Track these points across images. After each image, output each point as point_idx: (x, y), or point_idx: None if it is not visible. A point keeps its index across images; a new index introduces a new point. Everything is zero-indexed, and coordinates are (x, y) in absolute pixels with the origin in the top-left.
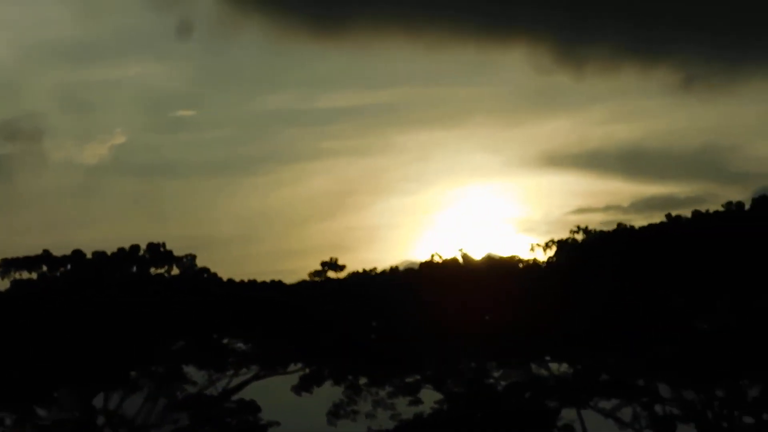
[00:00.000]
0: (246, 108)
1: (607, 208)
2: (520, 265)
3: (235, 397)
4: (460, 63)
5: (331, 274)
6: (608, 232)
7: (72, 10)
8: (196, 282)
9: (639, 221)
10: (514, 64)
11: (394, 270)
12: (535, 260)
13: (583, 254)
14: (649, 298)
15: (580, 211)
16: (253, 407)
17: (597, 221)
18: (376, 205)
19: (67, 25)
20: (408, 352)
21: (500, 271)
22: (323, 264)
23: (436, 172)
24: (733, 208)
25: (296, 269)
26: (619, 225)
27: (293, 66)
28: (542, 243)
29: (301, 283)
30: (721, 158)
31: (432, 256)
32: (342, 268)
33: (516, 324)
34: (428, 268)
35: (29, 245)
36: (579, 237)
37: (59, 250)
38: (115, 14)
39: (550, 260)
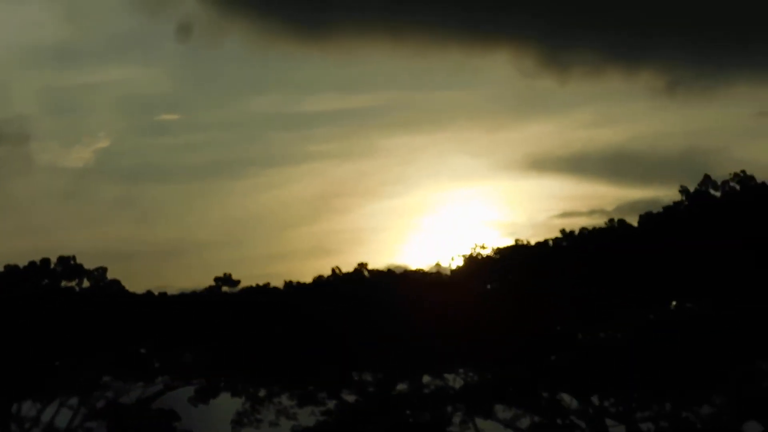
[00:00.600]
0: (230, 112)
1: (591, 212)
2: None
3: (154, 405)
4: (444, 67)
5: (225, 288)
6: (508, 247)
7: (56, 14)
8: (105, 295)
9: None
10: (499, 68)
11: (288, 283)
12: (439, 272)
13: (488, 267)
14: (548, 308)
15: (565, 214)
16: (170, 415)
17: (581, 225)
18: (360, 208)
19: (51, 28)
20: (304, 363)
21: (401, 283)
22: (217, 279)
23: (420, 175)
24: (616, 225)
25: (282, 273)
26: (516, 241)
27: (277, 70)
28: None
29: (204, 295)
30: (705, 161)
31: (333, 269)
32: (236, 283)
33: (421, 334)
34: (324, 282)
35: (14, 249)
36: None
37: (45, 253)
38: (99, 18)
39: (456, 272)
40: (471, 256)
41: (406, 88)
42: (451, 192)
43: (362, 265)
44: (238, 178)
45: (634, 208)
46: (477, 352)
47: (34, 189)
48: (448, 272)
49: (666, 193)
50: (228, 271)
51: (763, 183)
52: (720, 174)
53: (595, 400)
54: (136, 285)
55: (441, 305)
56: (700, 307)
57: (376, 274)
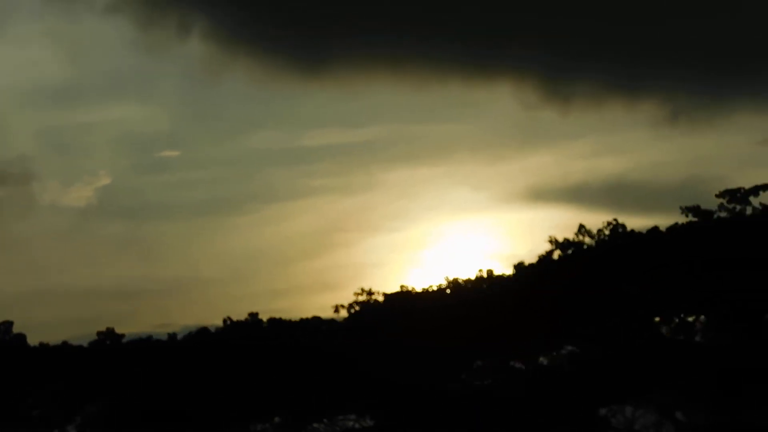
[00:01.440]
0: (230, 147)
1: None
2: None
3: None
4: (445, 101)
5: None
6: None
7: (55, 54)
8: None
9: None
10: (500, 101)
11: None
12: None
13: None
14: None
15: None
16: None
17: None
18: (362, 242)
19: (49, 68)
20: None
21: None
22: (99, 333)
23: (421, 208)
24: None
25: (282, 309)
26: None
27: (277, 105)
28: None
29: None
30: (705, 190)
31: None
32: (121, 337)
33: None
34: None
35: (18, 288)
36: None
37: (47, 291)
38: (98, 57)
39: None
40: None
41: (406, 121)
42: (452, 224)
43: (254, 315)
44: (240, 214)
45: None
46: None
47: (36, 228)
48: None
49: (667, 222)
50: (232, 306)
51: (632, 231)
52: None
53: None
54: (140, 323)
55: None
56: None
57: (274, 322)
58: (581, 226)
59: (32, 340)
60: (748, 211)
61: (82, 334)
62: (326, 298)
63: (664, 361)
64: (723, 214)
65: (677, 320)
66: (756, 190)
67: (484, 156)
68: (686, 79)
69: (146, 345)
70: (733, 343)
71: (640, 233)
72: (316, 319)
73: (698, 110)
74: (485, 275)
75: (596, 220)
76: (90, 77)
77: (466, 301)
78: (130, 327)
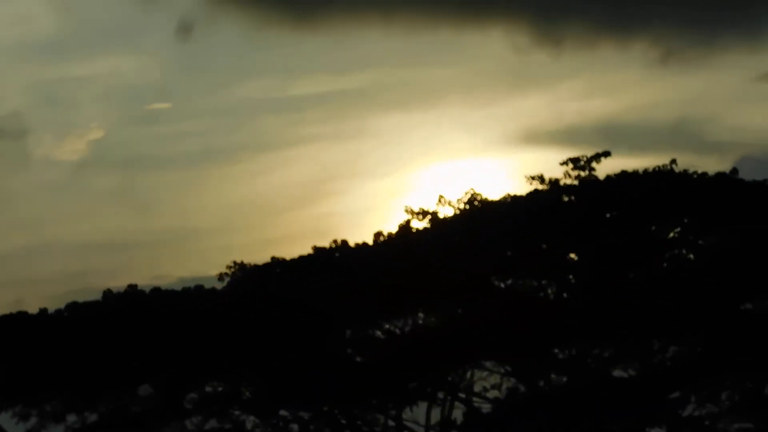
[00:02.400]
0: (221, 98)
1: None
2: None
3: None
4: (436, 45)
5: None
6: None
7: (43, 8)
8: None
9: None
10: (491, 45)
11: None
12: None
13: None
14: None
15: None
16: None
17: None
18: (356, 189)
19: (38, 22)
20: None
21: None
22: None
23: (413, 153)
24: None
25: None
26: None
27: (268, 54)
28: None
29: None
30: (698, 129)
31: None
32: None
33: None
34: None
35: (11, 243)
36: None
37: (40, 246)
38: (86, 10)
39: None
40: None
41: (397, 66)
42: (445, 168)
43: (132, 286)
44: (232, 163)
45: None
46: None
47: (28, 182)
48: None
49: (661, 161)
50: (227, 256)
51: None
52: (715, 140)
53: None
54: (135, 275)
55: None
56: None
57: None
58: (440, 197)
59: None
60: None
61: (79, 288)
62: (322, 245)
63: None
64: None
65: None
66: (597, 156)
67: (475, 99)
68: (679, 17)
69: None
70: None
71: (496, 203)
72: (199, 288)
73: (692, 49)
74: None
75: None
76: (79, 31)
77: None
78: (126, 280)
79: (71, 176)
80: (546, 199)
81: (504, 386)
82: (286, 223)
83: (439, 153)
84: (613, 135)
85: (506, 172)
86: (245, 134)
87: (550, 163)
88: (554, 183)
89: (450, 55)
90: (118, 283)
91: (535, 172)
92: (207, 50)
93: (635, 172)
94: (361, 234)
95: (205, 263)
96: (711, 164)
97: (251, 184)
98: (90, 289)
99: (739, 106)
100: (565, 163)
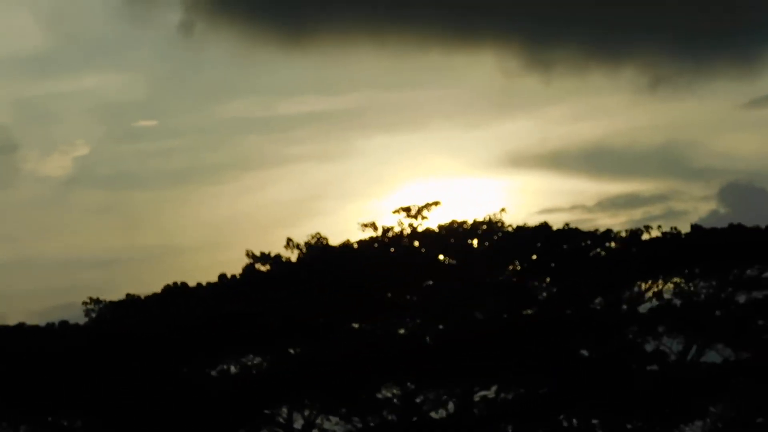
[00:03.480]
0: (208, 116)
1: (572, 208)
2: None
3: None
4: (425, 67)
5: None
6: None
7: (30, 22)
8: None
9: (604, 220)
10: (481, 67)
11: None
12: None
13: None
14: None
15: (546, 211)
16: None
17: (562, 221)
18: (341, 210)
19: (25, 37)
20: None
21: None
22: None
23: (399, 175)
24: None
25: None
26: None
27: (255, 73)
28: None
29: None
30: (684, 155)
31: None
32: None
33: None
34: None
35: None
36: None
37: (26, 262)
38: (72, 26)
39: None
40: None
41: (385, 88)
42: (431, 191)
43: None
44: (218, 182)
45: (615, 203)
46: None
47: (13, 197)
48: None
49: (647, 187)
50: (211, 274)
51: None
52: (701, 166)
53: None
54: (118, 292)
55: None
56: None
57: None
58: (288, 240)
59: (12, 310)
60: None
61: (61, 303)
62: None
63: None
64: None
65: None
66: (428, 205)
67: (462, 122)
68: (668, 44)
69: None
70: None
71: (338, 248)
72: (64, 324)
73: (680, 76)
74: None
75: (575, 186)
76: (66, 46)
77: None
78: (110, 295)
79: (56, 192)
80: (382, 247)
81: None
82: (271, 241)
83: (424, 175)
84: (599, 159)
85: (492, 194)
86: (231, 153)
87: (536, 186)
88: (386, 231)
89: (439, 78)
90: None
91: (520, 196)
92: (194, 68)
93: (464, 222)
94: None
95: (190, 280)
96: (697, 189)
97: (236, 202)
98: (73, 305)
99: (726, 133)
100: (397, 211)
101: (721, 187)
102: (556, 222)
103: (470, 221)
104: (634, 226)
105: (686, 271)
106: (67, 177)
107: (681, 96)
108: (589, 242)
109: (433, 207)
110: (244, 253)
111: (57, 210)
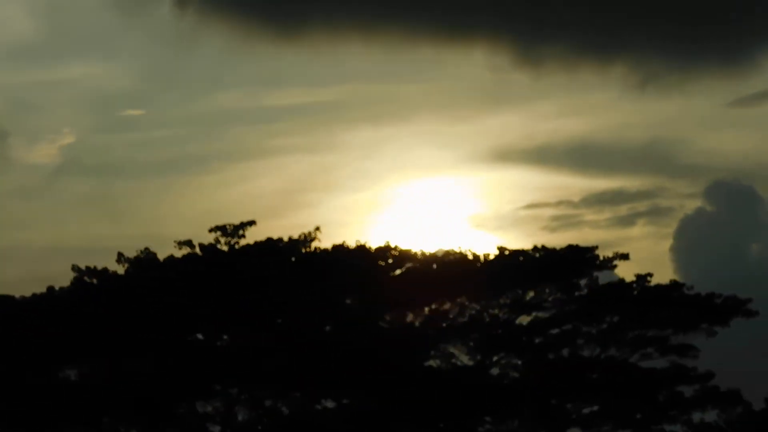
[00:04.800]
0: (194, 107)
1: (558, 203)
2: None
3: None
4: (415, 62)
5: None
6: None
7: (17, 12)
8: None
9: (590, 216)
10: (471, 63)
11: None
12: None
13: None
14: None
15: (532, 206)
16: None
17: (548, 216)
18: (325, 202)
19: (13, 26)
20: None
21: None
22: None
23: (385, 168)
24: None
25: None
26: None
27: (243, 66)
28: None
29: None
30: (670, 152)
31: None
32: None
33: None
34: None
35: None
36: None
37: (11, 250)
38: (60, 15)
39: None
40: None
41: (372, 81)
42: (416, 184)
43: None
44: (203, 173)
45: (601, 199)
46: None
47: (2, 187)
48: None
49: (632, 183)
50: None
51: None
52: (687, 163)
53: None
54: None
55: None
56: None
57: None
58: (120, 255)
59: None
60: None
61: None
62: None
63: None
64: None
65: None
66: (243, 225)
67: (448, 116)
68: (658, 44)
69: None
70: None
71: (165, 262)
72: None
73: (669, 74)
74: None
75: (561, 181)
76: (54, 36)
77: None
78: None
79: (42, 180)
80: (203, 263)
81: None
82: (256, 233)
83: (411, 168)
84: (586, 155)
85: (476, 189)
86: (217, 144)
87: (522, 181)
88: (205, 248)
89: (428, 73)
90: None
91: (506, 190)
92: (182, 59)
93: (280, 239)
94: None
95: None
96: (683, 187)
97: (223, 193)
98: None
99: (713, 131)
100: (213, 230)
101: (707, 185)
102: (541, 217)
103: (286, 239)
104: (619, 222)
105: (476, 291)
106: (54, 166)
107: (669, 94)
108: (390, 261)
109: (248, 227)
110: None
111: (43, 198)
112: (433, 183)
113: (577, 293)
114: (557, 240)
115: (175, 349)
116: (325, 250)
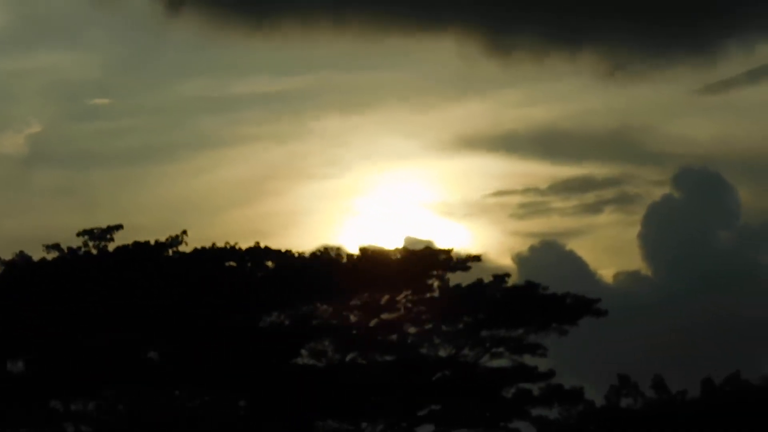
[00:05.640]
0: (162, 95)
1: (526, 190)
2: None
3: None
4: (385, 51)
5: None
6: None
7: None
8: None
9: (557, 203)
10: (441, 52)
11: None
12: None
13: None
14: None
15: (499, 193)
16: None
17: (515, 204)
18: (294, 190)
19: None
20: None
21: None
22: None
23: (352, 157)
24: None
25: None
26: None
27: (212, 54)
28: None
29: None
30: (638, 139)
31: None
32: None
33: None
34: None
35: None
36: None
37: None
38: (28, 3)
39: None
40: None
41: (341, 70)
42: (384, 172)
43: None
44: (171, 162)
45: (568, 186)
46: None
47: None
48: None
49: (600, 171)
50: None
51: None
52: (655, 150)
53: None
54: None
55: None
56: None
57: None
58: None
59: None
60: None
61: None
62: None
63: None
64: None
65: None
66: (110, 229)
67: (416, 104)
68: (628, 32)
69: None
70: None
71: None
72: None
73: (639, 62)
74: None
75: (528, 168)
76: (20, 24)
77: None
78: None
79: (8, 170)
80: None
81: None
82: (225, 221)
83: (378, 157)
84: (553, 142)
85: (443, 177)
86: (185, 132)
87: (489, 168)
88: (73, 251)
89: (398, 62)
90: None
91: (472, 178)
92: (150, 48)
93: (147, 242)
94: (299, 234)
95: None
96: (651, 174)
97: (191, 182)
98: None
99: (681, 118)
100: (81, 234)
101: (675, 172)
102: (508, 204)
103: (152, 242)
104: (586, 210)
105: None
106: (21, 155)
107: (637, 82)
108: (250, 264)
109: (116, 231)
110: (200, 233)
111: (10, 188)
112: (400, 171)
113: (429, 294)
114: (526, 227)
115: (45, 349)
116: (194, 251)
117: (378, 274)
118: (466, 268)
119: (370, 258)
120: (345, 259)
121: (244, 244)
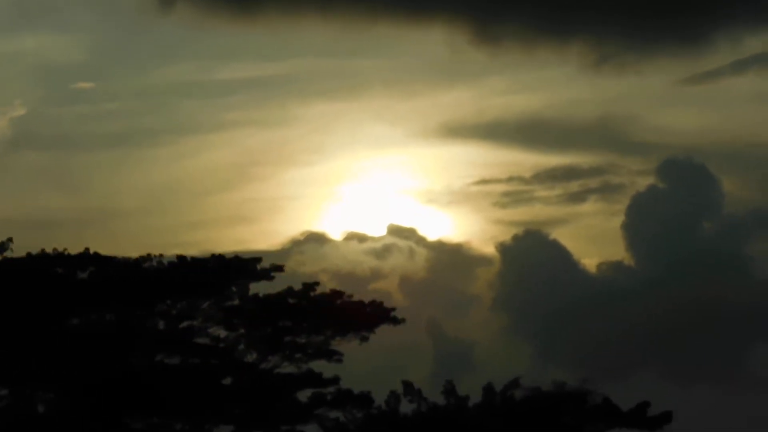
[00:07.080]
0: (146, 80)
1: (510, 179)
2: None
3: None
4: (372, 39)
5: None
6: None
7: None
8: None
9: (541, 192)
10: (429, 40)
11: None
12: None
13: None
14: None
15: (483, 182)
16: None
17: (499, 192)
18: (278, 176)
19: None
20: None
21: None
22: None
23: (337, 143)
24: None
25: (198, 241)
26: None
27: (196, 38)
28: None
29: None
30: (623, 129)
31: None
32: None
33: None
34: None
35: None
36: None
37: None
38: None
39: None
40: None
41: (327, 56)
42: (368, 159)
43: None
44: (154, 146)
45: (552, 175)
46: None
47: None
48: None
49: (584, 160)
50: (151, 238)
51: None
52: (639, 140)
53: None
54: None
55: None
56: None
57: None
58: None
59: None
60: None
61: None
62: (243, 231)
63: None
64: None
65: None
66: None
67: (402, 92)
68: (615, 22)
69: None
70: None
71: None
72: None
73: (625, 52)
74: None
75: (512, 156)
76: (5, 6)
77: None
78: None
79: None
80: None
81: None
82: (209, 206)
83: (362, 144)
84: (537, 131)
85: (427, 164)
86: (168, 117)
87: (474, 156)
88: None
89: (385, 49)
90: None
91: (456, 166)
92: (135, 32)
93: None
94: (282, 220)
95: (129, 244)
96: (635, 163)
97: (175, 166)
98: None
99: (666, 108)
100: None
101: (659, 162)
102: (492, 193)
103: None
104: (570, 199)
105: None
106: (4, 138)
107: (623, 72)
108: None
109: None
110: (184, 218)
111: None
112: (385, 158)
113: (228, 303)
114: (509, 215)
115: None
116: (26, 256)
117: (181, 281)
118: (270, 278)
119: (183, 266)
120: (157, 266)
121: (231, 230)
